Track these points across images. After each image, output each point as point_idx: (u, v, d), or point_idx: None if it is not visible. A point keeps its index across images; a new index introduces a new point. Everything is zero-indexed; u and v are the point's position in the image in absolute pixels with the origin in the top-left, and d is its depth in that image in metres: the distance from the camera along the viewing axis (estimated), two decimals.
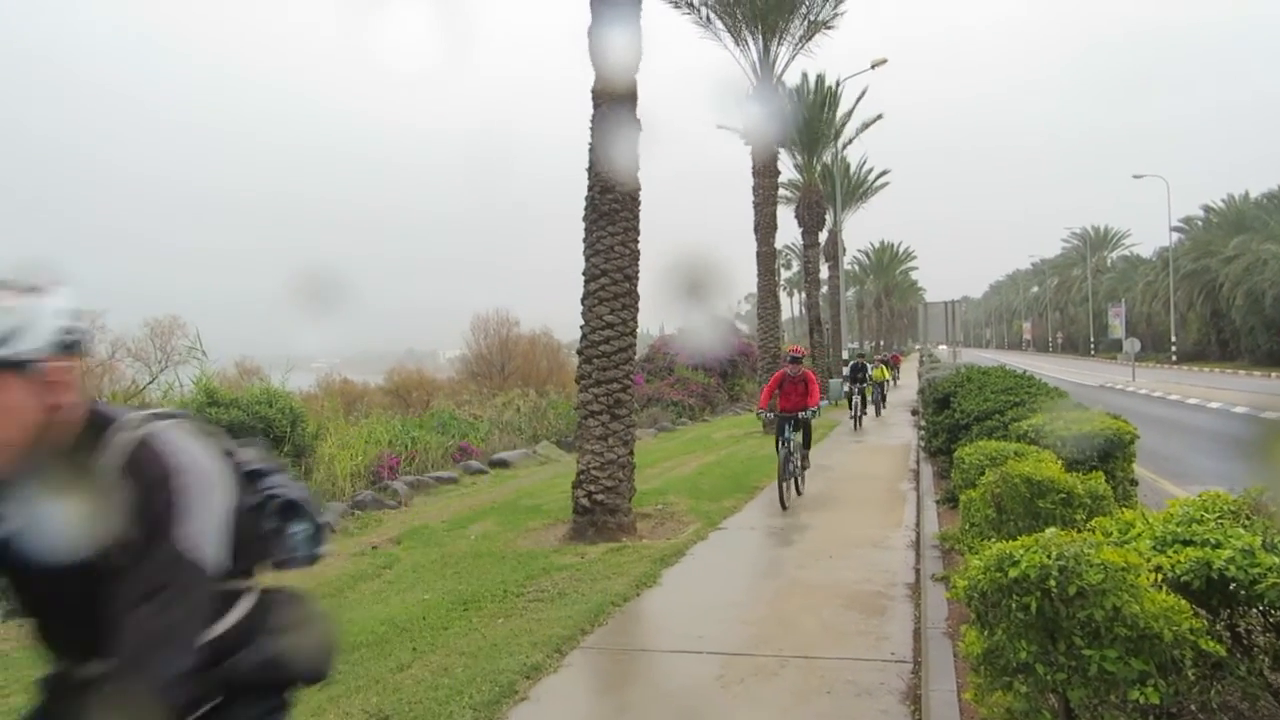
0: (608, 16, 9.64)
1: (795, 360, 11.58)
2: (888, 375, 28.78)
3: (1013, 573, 3.08)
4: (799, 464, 11.34)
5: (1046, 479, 4.99)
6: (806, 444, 11.64)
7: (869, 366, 23.30)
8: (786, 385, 11.42)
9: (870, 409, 23.35)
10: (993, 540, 4.75)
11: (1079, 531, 3.78)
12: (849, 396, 22.19)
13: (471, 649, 5.80)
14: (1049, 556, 3.06)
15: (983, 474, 5.93)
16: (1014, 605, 3.07)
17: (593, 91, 9.85)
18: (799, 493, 11.39)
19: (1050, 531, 3.29)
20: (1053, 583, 2.99)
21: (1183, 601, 3.12)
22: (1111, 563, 3.01)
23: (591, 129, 9.83)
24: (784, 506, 10.38)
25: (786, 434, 10.76)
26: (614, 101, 9.73)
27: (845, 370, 23.60)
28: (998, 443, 7.24)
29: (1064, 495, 4.96)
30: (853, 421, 21.30)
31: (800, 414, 11.10)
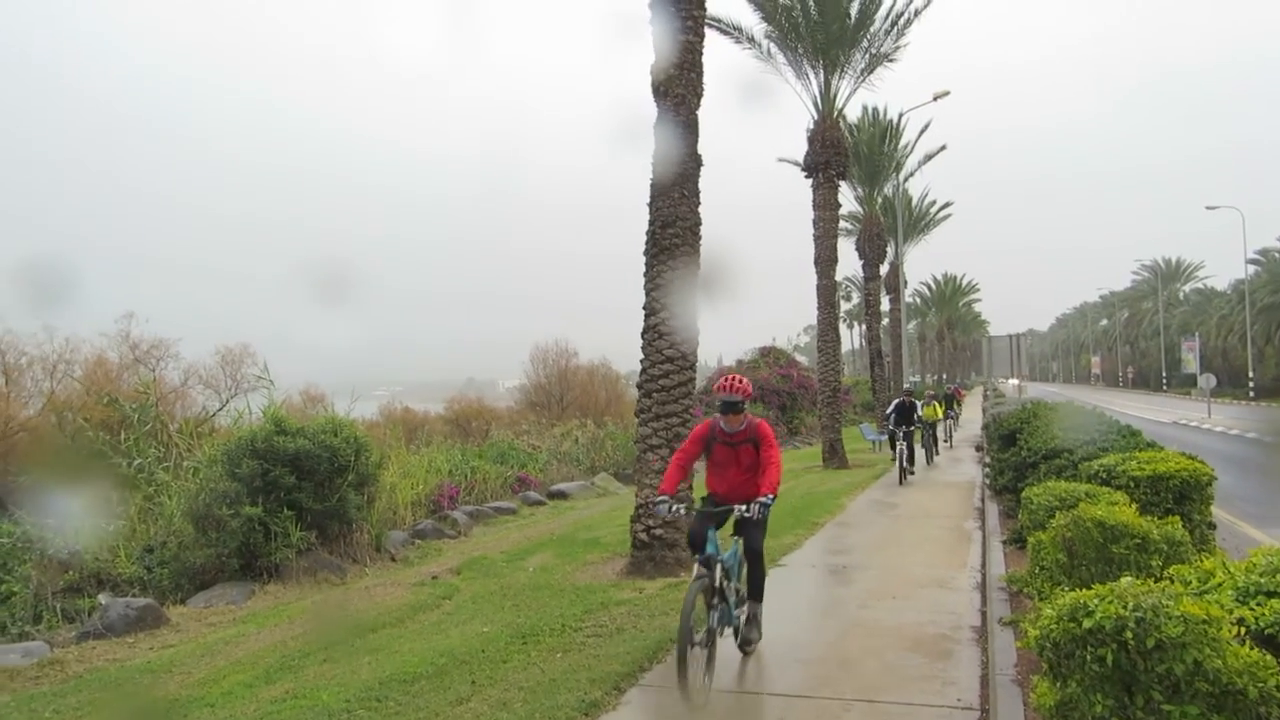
0: (670, 57, 9.76)
1: (732, 407, 5.92)
2: (940, 413, 23.40)
3: (1087, 623, 2.99)
4: (730, 608, 5.79)
5: (1120, 523, 4.84)
6: (756, 569, 6.11)
7: (919, 405, 19.32)
8: (718, 450, 6.13)
9: (921, 455, 19.78)
10: (1064, 586, 4.63)
11: (1156, 580, 3.66)
12: (891, 440, 18.12)
13: (530, 683, 5.80)
14: (1125, 607, 2.97)
15: (1052, 516, 5.78)
16: (1089, 657, 2.98)
17: (655, 128, 9.95)
18: (743, 654, 6.15)
19: (1126, 580, 3.20)
20: (1130, 635, 2.90)
21: (1268, 656, 3.00)
22: (1192, 615, 2.91)
23: (653, 166, 9.92)
24: (684, 693, 5.05)
25: (709, 548, 5.63)
26: (675, 139, 9.81)
27: (888, 410, 18.83)
28: (1068, 483, 7.07)
29: (1139, 541, 4.81)
30: (899, 474, 16.92)
31: (740, 509, 5.78)
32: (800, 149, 23.10)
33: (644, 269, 9.99)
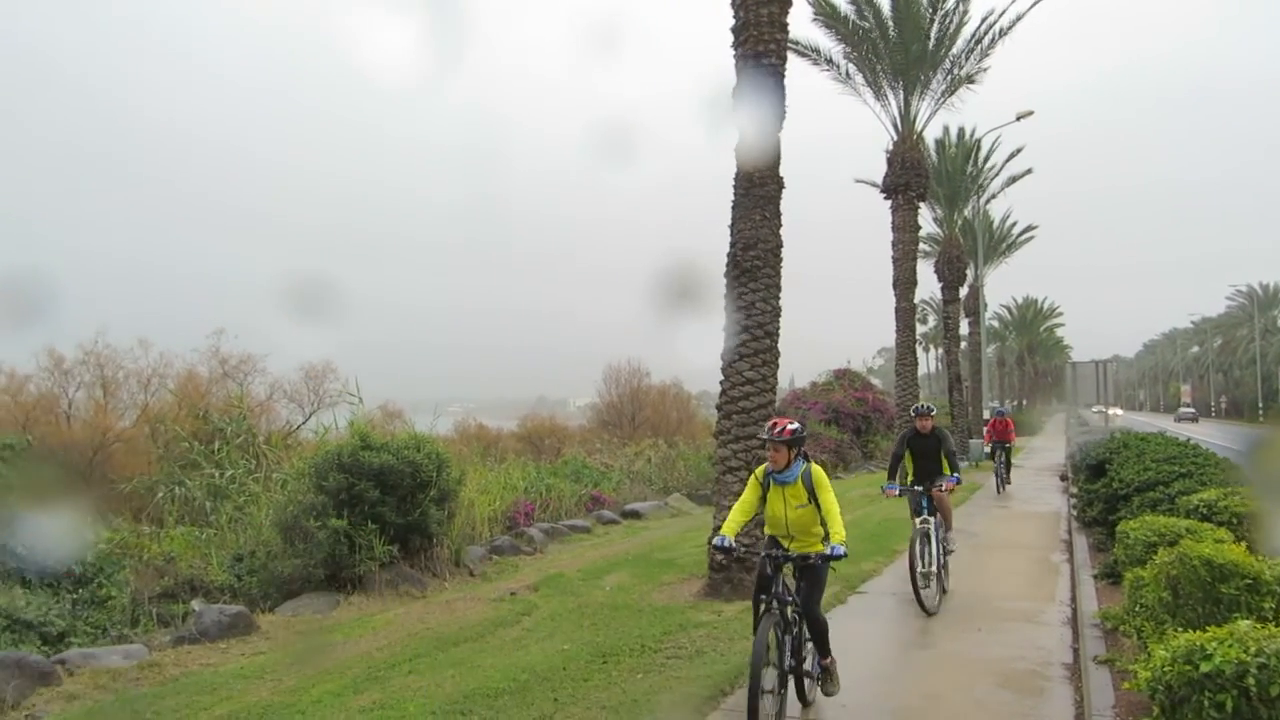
0: (753, 86, 9.79)
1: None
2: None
3: (1205, 667, 2.88)
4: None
5: (1230, 563, 4.64)
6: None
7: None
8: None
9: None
10: (1169, 626, 4.47)
11: (1272, 622, 3.51)
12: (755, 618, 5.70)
13: (612, 703, 5.81)
14: (1247, 652, 2.85)
15: (1151, 551, 5.59)
16: (1206, 702, 2.87)
17: (736, 151, 9.97)
18: None
19: (1245, 624, 3.07)
20: (1251, 681, 2.78)
21: None
22: None
23: (734, 187, 9.93)
24: None
25: None
26: (758, 163, 9.82)
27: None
28: (1166, 518, 6.83)
29: (1250, 581, 4.60)
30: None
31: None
32: (878, 167, 22.92)
33: (724, 291, 9.98)
